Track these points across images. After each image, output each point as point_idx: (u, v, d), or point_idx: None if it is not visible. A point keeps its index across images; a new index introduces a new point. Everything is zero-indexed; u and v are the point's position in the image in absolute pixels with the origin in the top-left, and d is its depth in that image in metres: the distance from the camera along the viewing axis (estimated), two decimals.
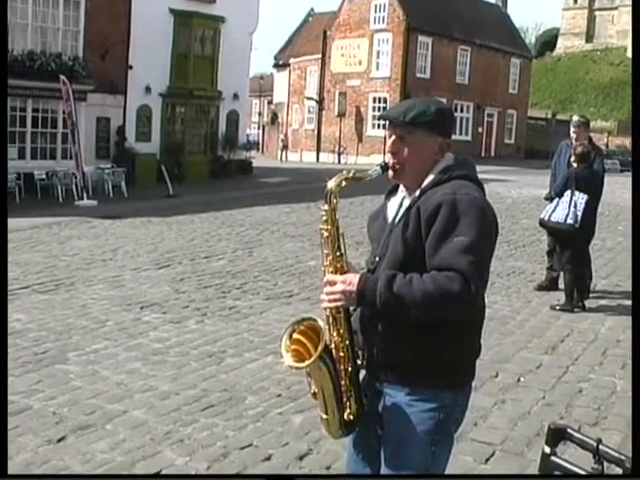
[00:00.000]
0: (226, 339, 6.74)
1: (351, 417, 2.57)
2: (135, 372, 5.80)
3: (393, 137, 2.56)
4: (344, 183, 2.53)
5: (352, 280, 2.42)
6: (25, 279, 9.11)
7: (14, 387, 5.31)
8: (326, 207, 2.51)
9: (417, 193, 2.52)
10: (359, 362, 2.58)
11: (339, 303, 2.45)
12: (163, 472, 4.12)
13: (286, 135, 45.96)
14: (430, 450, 2.49)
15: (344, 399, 2.55)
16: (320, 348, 2.42)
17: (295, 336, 2.51)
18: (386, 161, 2.57)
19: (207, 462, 4.25)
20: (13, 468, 4.06)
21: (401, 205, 2.59)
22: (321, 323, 2.49)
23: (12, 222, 13.44)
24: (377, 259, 2.56)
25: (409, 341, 2.44)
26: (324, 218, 2.52)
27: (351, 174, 2.56)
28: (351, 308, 2.54)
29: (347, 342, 2.53)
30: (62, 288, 8.68)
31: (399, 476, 2.53)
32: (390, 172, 2.57)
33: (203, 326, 7.18)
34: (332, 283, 2.46)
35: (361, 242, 9.70)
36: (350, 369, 2.54)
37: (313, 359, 2.42)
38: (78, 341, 6.58)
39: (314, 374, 2.52)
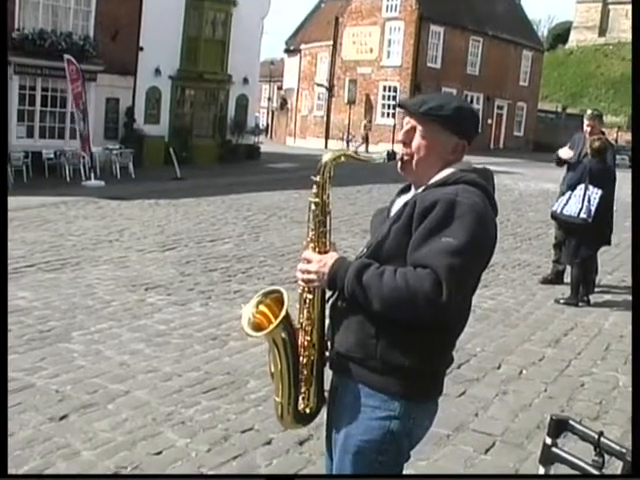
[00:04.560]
0: (230, 322, 6.75)
1: (307, 410, 2.47)
2: (138, 353, 5.82)
3: (406, 127, 2.43)
4: (342, 159, 2.43)
5: (327, 261, 2.32)
6: (31, 257, 9.13)
7: (18, 364, 5.34)
8: (317, 178, 2.39)
9: (420, 190, 2.39)
10: (327, 354, 2.45)
11: (310, 283, 2.36)
12: (164, 453, 4.14)
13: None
14: (377, 459, 2.34)
15: (302, 388, 2.44)
16: (278, 320, 2.32)
17: (261, 308, 2.43)
18: (395, 149, 2.47)
19: (208, 444, 4.26)
20: (15, 445, 4.09)
21: (407, 203, 2.43)
22: (286, 298, 2.37)
23: (20, 200, 13.49)
24: (366, 249, 2.42)
25: (372, 337, 2.29)
26: (314, 190, 2.40)
27: (351, 152, 2.48)
28: (327, 295, 2.44)
29: (316, 327, 2.41)
30: (68, 267, 8.71)
31: (400, 476, 2.48)
32: (398, 163, 2.44)
33: (207, 309, 7.20)
34: (308, 261, 2.37)
35: (367, 230, 9.70)
36: (314, 358, 2.42)
37: (268, 330, 2.33)
38: (83, 320, 6.60)
39: (271, 349, 2.41)
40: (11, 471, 3.72)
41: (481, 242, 2.24)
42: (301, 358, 2.42)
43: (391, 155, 2.44)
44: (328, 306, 2.45)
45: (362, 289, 2.21)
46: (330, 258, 2.33)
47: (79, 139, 20.43)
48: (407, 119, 2.45)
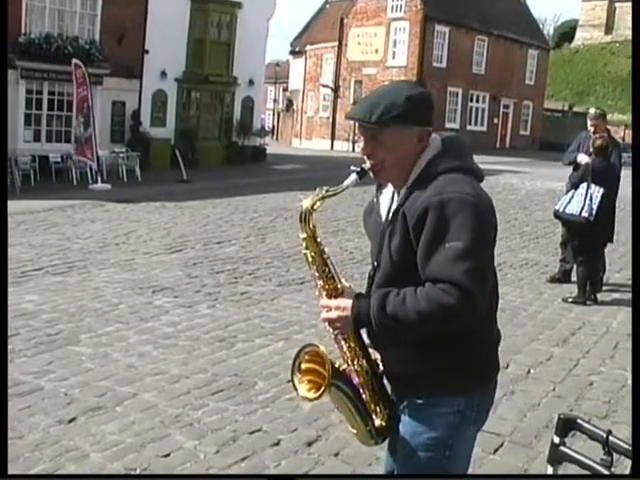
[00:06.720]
0: (237, 324, 6.76)
1: (383, 423, 2.47)
2: (146, 355, 5.83)
3: (364, 140, 2.36)
4: (318, 204, 2.37)
5: (346, 305, 2.29)
6: (39, 261, 9.16)
7: (26, 367, 5.36)
8: (304, 235, 2.38)
9: (402, 194, 2.34)
10: (381, 369, 2.47)
11: (337, 330, 2.36)
12: (172, 455, 4.14)
13: None
14: (444, 455, 2.36)
15: (371, 408, 2.45)
16: (327, 376, 2.33)
17: (304, 366, 2.41)
18: (363, 165, 2.38)
19: (216, 446, 4.27)
20: (24, 448, 4.10)
21: (392, 200, 2.42)
22: (322, 348, 2.39)
23: (27, 204, 13.54)
24: (376, 264, 2.41)
25: (415, 353, 2.32)
26: (304, 244, 2.39)
27: (323, 192, 2.37)
28: None
29: (361, 354, 2.42)
30: (75, 271, 8.73)
31: (399, 476, 2.48)
32: (371, 174, 2.39)
33: (214, 311, 7.20)
34: (327, 309, 2.35)
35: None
36: (370, 379, 2.44)
37: (322, 390, 2.33)
38: (90, 323, 6.62)
39: (332, 398, 2.45)
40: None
41: (483, 231, 2.20)
42: (360, 389, 2.44)
43: (361, 172, 2.38)
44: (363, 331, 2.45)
45: (390, 321, 2.19)
46: (347, 302, 2.31)
47: (74, 143, 20.50)
48: (361, 130, 2.37)
